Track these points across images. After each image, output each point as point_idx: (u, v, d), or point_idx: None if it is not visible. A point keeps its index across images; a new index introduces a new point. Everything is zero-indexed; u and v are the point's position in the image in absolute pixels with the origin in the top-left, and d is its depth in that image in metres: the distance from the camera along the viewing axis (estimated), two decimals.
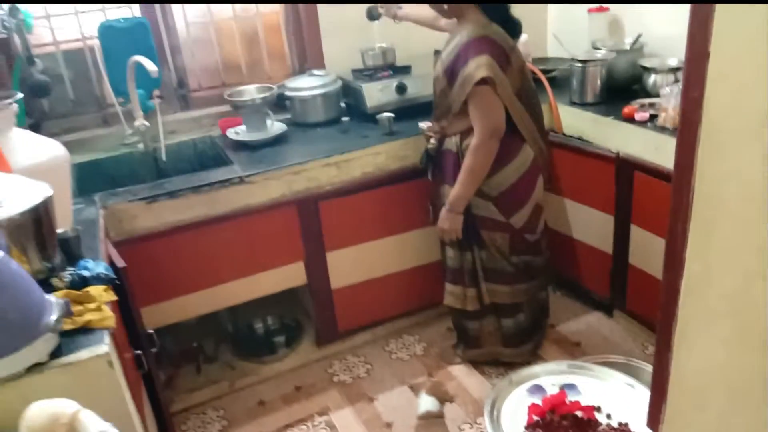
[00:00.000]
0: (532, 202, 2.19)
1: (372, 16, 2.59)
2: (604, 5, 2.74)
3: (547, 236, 2.37)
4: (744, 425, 0.75)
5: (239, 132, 2.52)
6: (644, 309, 2.45)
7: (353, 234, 2.43)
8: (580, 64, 2.50)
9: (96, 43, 2.46)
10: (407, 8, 2.51)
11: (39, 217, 1.44)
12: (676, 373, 0.84)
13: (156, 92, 2.56)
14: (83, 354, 1.27)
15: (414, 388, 1.84)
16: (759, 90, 0.63)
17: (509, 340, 2.37)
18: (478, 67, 1.94)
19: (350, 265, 2.48)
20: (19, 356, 1.19)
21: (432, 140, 2.21)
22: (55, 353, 1.27)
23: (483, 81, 1.95)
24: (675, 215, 0.77)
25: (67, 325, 1.33)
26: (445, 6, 2.08)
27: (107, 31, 2.44)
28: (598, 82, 2.50)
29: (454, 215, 2.13)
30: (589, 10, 2.75)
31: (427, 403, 1.77)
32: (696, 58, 0.69)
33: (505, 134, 2.04)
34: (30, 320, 1.21)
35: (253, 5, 2.72)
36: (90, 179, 2.36)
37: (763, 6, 0.60)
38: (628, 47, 2.59)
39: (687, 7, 0.72)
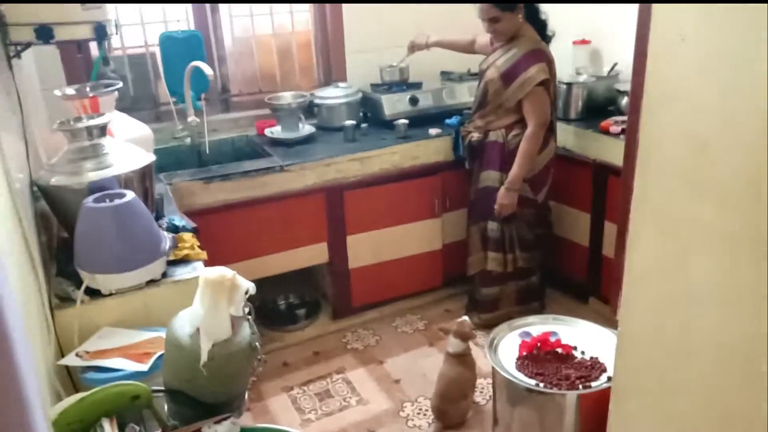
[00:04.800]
0: (549, 181, 2.74)
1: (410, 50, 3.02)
2: (587, 39, 3.24)
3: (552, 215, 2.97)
4: (669, 292, 1.17)
5: (274, 132, 2.95)
6: (616, 295, 2.88)
7: (371, 221, 2.85)
8: (565, 86, 2.98)
9: (156, 50, 2.89)
10: (436, 36, 2.97)
11: (145, 176, 1.84)
12: (629, 266, 1.26)
13: (203, 95, 2.98)
14: (187, 275, 1.67)
15: (443, 330, 2.29)
16: (672, 74, 1.07)
17: (522, 298, 2.88)
18: (539, 71, 2.50)
19: (366, 248, 2.88)
20: (144, 271, 1.59)
21: (475, 134, 2.70)
22: (164, 275, 1.67)
23: (541, 83, 2.48)
24: (627, 157, 1.20)
25: (170, 257, 1.72)
26: (501, 29, 2.56)
27: (167, 41, 2.86)
28: (580, 101, 2.98)
29: (513, 193, 2.62)
30: (574, 42, 3.24)
31: (454, 344, 2.20)
32: (640, 54, 1.13)
33: None
34: (152, 245, 1.61)
35: (289, 25, 3.18)
36: None
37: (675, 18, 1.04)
38: (605, 74, 3.08)
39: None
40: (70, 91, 2.08)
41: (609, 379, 1.82)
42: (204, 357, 1.15)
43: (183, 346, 1.17)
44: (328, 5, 3.15)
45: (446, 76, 3.35)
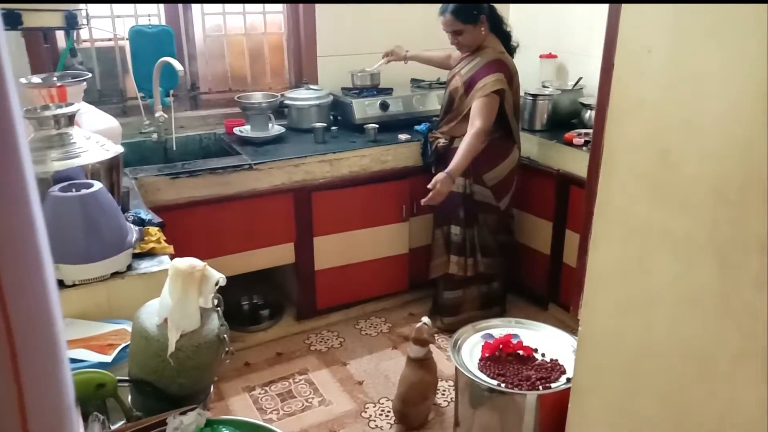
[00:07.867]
0: (513, 189, 2.81)
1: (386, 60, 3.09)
2: (553, 53, 3.33)
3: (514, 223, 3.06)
4: (630, 293, 1.22)
5: (243, 130, 2.94)
6: (576, 299, 2.95)
7: (338, 222, 2.86)
8: (531, 98, 3.05)
9: (126, 43, 2.85)
10: (414, 51, 3.06)
11: (112, 168, 1.82)
12: (590, 269, 1.31)
13: (171, 91, 2.95)
14: (153, 268, 1.65)
15: (409, 338, 2.30)
16: (637, 84, 1.13)
17: (484, 303, 2.93)
18: (496, 81, 2.57)
19: (333, 250, 2.89)
20: (109, 263, 1.57)
21: (441, 140, 2.77)
22: (129, 267, 1.65)
23: (495, 92, 2.56)
24: (592, 163, 1.25)
25: (136, 250, 1.70)
26: (463, 41, 2.65)
27: (137, 35, 2.82)
28: (545, 113, 3.06)
29: (450, 180, 2.57)
30: (541, 56, 3.33)
31: (414, 349, 2.21)
32: (607, 68, 1.18)
33: (502, 137, 2.70)
34: (119, 236, 1.59)
35: (261, 26, 3.18)
36: None
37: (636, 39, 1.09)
38: (570, 87, 3.17)
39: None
40: (36, 79, 2.04)
41: (568, 380, 1.87)
42: (172, 347, 1.14)
43: (150, 336, 1.16)
44: (301, 7, 3.16)
45: (416, 83, 3.39)
